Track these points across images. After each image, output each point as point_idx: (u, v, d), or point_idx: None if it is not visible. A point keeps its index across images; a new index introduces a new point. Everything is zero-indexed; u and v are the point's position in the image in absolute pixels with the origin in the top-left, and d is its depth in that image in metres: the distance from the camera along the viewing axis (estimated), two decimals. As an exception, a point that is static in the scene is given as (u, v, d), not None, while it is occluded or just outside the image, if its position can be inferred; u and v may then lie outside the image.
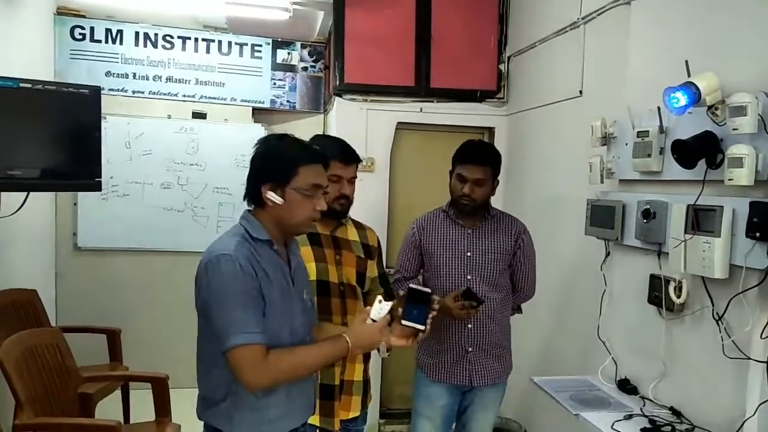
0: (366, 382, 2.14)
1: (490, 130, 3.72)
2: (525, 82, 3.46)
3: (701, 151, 1.78)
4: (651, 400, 2.11)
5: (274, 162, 1.57)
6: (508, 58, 3.60)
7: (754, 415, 1.70)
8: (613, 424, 1.91)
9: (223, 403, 1.55)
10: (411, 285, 1.73)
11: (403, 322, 1.66)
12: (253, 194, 1.60)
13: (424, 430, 2.41)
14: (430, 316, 1.68)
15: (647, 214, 2.08)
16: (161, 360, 3.32)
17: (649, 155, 2.07)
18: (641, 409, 2.05)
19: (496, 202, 3.53)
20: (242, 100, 4.18)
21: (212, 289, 1.47)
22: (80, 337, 3.34)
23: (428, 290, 1.73)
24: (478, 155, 2.35)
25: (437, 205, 2.50)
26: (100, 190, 2.72)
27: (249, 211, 1.63)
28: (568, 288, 2.79)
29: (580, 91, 2.74)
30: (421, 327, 1.66)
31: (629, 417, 1.98)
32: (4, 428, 2.57)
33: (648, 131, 2.08)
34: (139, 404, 3.08)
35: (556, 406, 2.22)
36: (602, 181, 2.37)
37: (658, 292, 2.07)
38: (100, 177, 2.63)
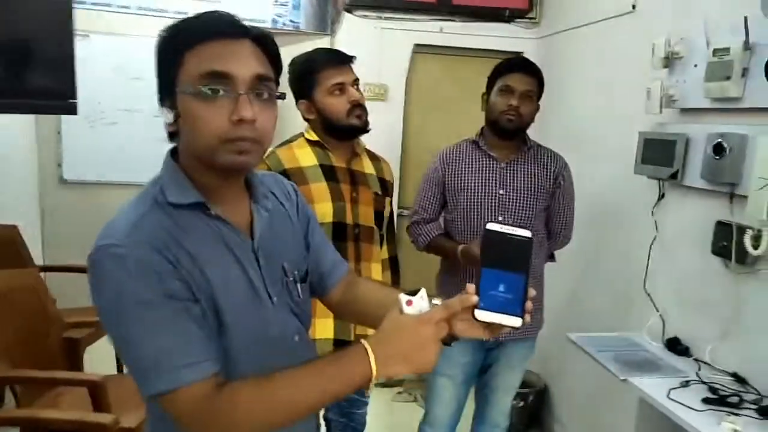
0: None
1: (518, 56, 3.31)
2: (561, -1, 3.03)
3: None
4: (708, 364, 1.84)
5: (157, 60, 0.93)
6: (542, -29, 3.15)
7: None
8: (669, 393, 1.65)
9: None
10: (490, 225, 0.89)
11: (479, 314, 0.86)
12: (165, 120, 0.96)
13: (444, 390, 2.17)
14: (529, 294, 0.88)
15: (719, 150, 1.74)
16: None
17: (728, 78, 1.71)
18: (697, 374, 1.79)
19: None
20: (242, 19, 3.74)
21: (103, 309, 0.85)
22: (68, 278, 3.07)
23: (525, 234, 0.88)
24: (528, 64, 2.00)
25: (458, 139, 2.15)
26: (75, 113, 2.37)
27: (174, 151, 0.97)
28: (609, 234, 2.47)
29: (633, 6, 2.33)
30: (516, 322, 0.86)
31: (686, 384, 1.72)
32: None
33: (728, 48, 1.71)
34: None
35: (583, 361, 1.96)
36: (661, 111, 2.02)
37: (726, 241, 1.76)
38: (75, 98, 2.28)
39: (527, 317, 0.87)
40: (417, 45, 3.21)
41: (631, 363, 1.87)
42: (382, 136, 3.16)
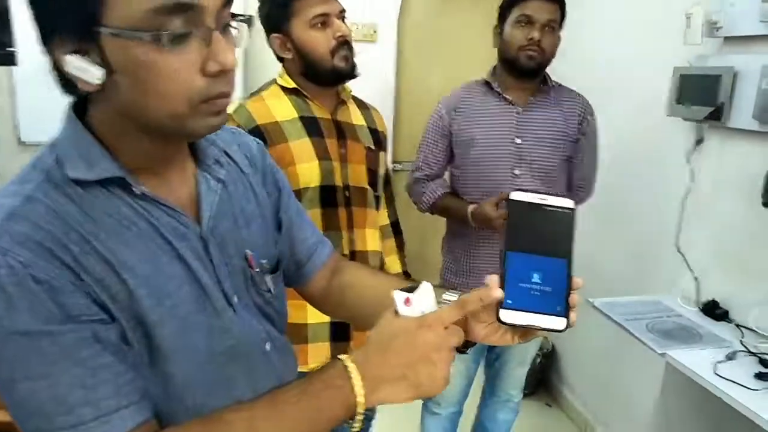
0: None
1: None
2: None
3: None
4: (753, 331, 1.63)
5: None
6: None
7: None
8: (716, 368, 1.43)
9: None
10: (515, 194, 0.68)
11: (504, 315, 0.64)
12: (56, 76, 0.63)
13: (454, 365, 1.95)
14: (575, 287, 0.66)
15: (779, 83, 1.47)
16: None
17: (795, -5, 1.42)
18: (742, 342, 1.57)
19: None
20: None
21: None
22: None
23: (569, 204, 0.68)
24: None
25: (460, 84, 1.84)
26: (15, 63, 2.02)
27: (75, 106, 0.67)
28: (635, 185, 2.17)
29: None
30: (559, 324, 0.64)
31: (732, 356, 1.50)
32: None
33: (796, -43, 1.41)
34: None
35: (594, 321, 1.73)
36: (702, 41, 1.73)
37: (782, 191, 1.51)
38: (13, 46, 1.93)
39: (573, 316, 0.64)
40: (409, -23, 2.85)
41: (667, 332, 1.64)
42: (373, 82, 2.82)
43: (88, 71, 0.58)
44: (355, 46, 1.46)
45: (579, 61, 2.35)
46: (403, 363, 0.61)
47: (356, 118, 1.54)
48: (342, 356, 0.62)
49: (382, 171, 1.57)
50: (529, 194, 0.67)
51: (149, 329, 0.63)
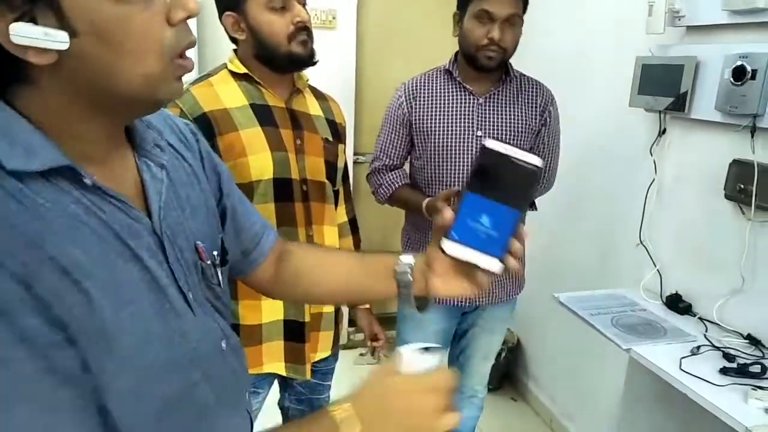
0: (337, 312, 1.54)
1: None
2: None
3: None
4: (716, 324, 1.62)
5: None
6: None
7: None
8: (680, 364, 1.41)
9: None
10: (487, 143, 0.68)
11: (445, 243, 0.70)
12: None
13: None
14: (519, 232, 0.71)
15: (741, 74, 1.45)
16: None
17: (757, -17, 1.39)
18: (705, 336, 1.56)
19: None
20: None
21: None
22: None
23: (534, 162, 0.67)
24: None
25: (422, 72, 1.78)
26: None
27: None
28: (598, 177, 2.16)
29: None
30: (491, 263, 0.69)
31: (697, 350, 1.48)
32: None
33: (759, -56, 1.39)
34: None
35: (559, 314, 1.71)
36: (664, 30, 1.69)
37: (744, 183, 1.50)
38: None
39: (512, 262, 0.69)
40: (369, -37, 2.77)
41: (631, 327, 1.62)
42: (332, 71, 2.75)
43: (49, 36, 0.49)
44: (314, 32, 1.38)
45: (541, 53, 2.31)
46: (405, 425, 0.58)
47: (313, 108, 1.45)
48: (330, 410, 0.58)
49: (341, 164, 1.49)
50: (503, 145, 0.67)
51: (108, 342, 0.53)
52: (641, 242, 1.85)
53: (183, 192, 0.70)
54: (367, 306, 1.67)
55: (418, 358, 0.61)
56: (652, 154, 1.80)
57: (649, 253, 1.84)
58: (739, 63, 1.45)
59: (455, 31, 1.67)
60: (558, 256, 2.40)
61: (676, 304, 1.74)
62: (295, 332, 1.42)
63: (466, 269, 0.74)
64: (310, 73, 1.43)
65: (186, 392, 0.62)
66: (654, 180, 1.80)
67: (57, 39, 0.50)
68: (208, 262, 0.71)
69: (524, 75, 1.74)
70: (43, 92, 0.54)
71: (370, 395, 0.59)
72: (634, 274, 1.89)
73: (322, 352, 1.53)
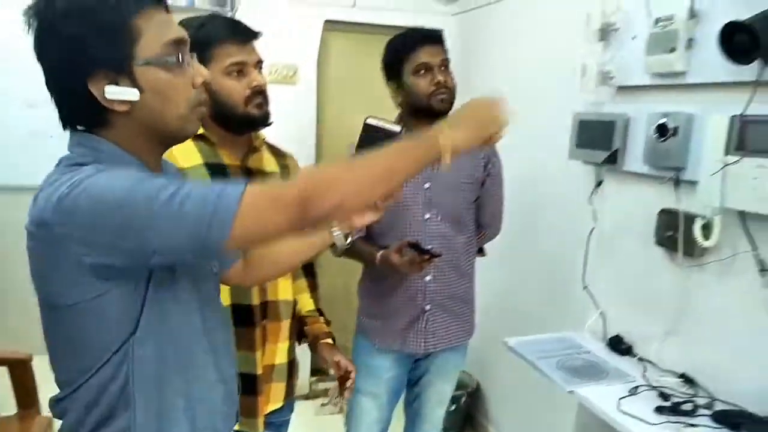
0: (291, 363, 1.57)
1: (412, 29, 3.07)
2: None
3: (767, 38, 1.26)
4: (654, 365, 1.70)
5: (97, 27, 0.81)
6: (460, -60, 2.92)
7: (805, 390, 1.30)
8: (619, 404, 1.48)
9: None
10: (369, 120, 1.08)
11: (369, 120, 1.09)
12: (76, 107, 0.86)
13: (367, 414, 1.91)
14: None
15: (663, 131, 1.58)
16: (21, 333, 2.09)
17: (672, 50, 1.54)
18: (645, 377, 1.64)
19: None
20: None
21: (108, 196, 0.78)
22: None
23: (395, 128, 1.06)
24: (429, 32, 1.80)
25: (379, 123, 1.88)
26: None
27: (84, 132, 0.89)
28: (543, 226, 2.28)
29: (562, -26, 2.14)
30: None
31: (635, 390, 1.56)
32: None
33: (672, 16, 1.54)
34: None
35: (517, 359, 1.77)
36: (596, 89, 1.83)
37: (672, 231, 1.61)
38: None
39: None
40: (328, 21, 2.90)
41: (575, 369, 1.69)
42: (294, 123, 2.85)
43: (127, 94, 0.84)
44: (277, 88, 1.45)
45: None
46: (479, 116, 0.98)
47: (269, 164, 1.51)
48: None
49: None
50: (377, 120, 1.07)
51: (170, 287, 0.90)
52: (585, 287, 1.94)
53: None
54: (329, 340, 1.65)
55: None
56: (591, 204, 1.91)
57: (592, 297, 1.93)
58: (661, 121, 1.58)
59: (396, 97, 1.79)
60: (511, 301, 2.49)
61: (618, 345, 1.82)
62: (247, 386, 1.43)
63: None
64: (273, 125, 1.50)
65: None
66: (594, 228, 1.91)
67: (132, 95, 0.84)
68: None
69: None
70: (118, 131, 0.87)
71: (456, 111, 0.99)
72: (580, 317, 1.97)
73: (274, 404, 1.54)
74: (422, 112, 1.74)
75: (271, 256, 1.20)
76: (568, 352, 1.81)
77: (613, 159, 1.79)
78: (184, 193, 0.76)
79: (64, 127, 0.90)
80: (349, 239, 1.26)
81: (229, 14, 3.04)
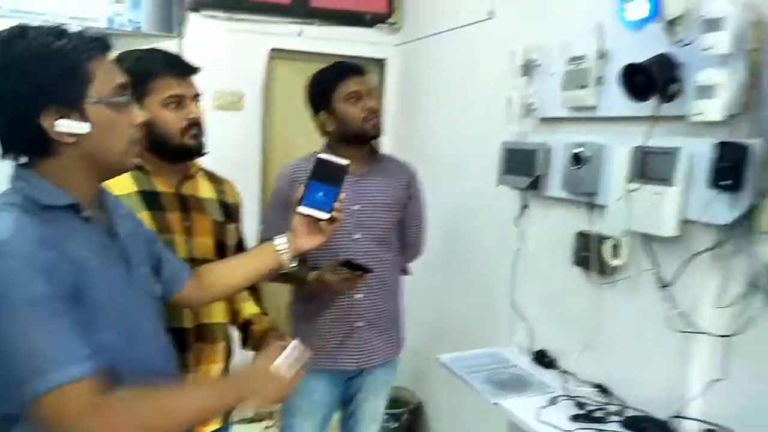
0: None
1: (380, 63, 3.22)
2: (422, 3, 2.97)
3: (660, 78, 1.42)
4: (573, 376, 1.82)
5: (56, 68, 0.93)
6: (401, -25, 3.08)
7: (701, 395, 1.44)
8: (538, 414, 1.58)
9: None
10: (321, 155, 1.26)
11: (301, 208, 1.25)
12: (23, 138, 0.96)
13: (302, 431, 1.97)
14: (339, 199, 1.26)
15: (578, 159, 1.72)
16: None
17: (584, 86, 1.70)
18: (565, 388, 1.75)
19: (387, 147, 3.09)
20: (70, 18, 3.27)
21: None
22: None
23: (344, 162, 1.25)
24: (352, 65, 1.96)
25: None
26: None
27: (22, 166, 1.00)
28: (475, 247, 2.42)
29: (491, 12, 2.30)
30: (324, 215, 1.25)
31: (554, 401, 1.67)
32: None
33: (584, 56, 1.70)
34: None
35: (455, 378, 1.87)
36: (521, 120, 1.98)
37: (586, 252, 1.74)
38: None
39: (337, 215, 1.26)
40: (274, 49, 2.99)
41: (502, 382, 1.79)
42: (240, 149, 2.91)
43: (78, 127, 0.95)
44: (223, 114, 1.52)
45: (420, 137, 2.60)
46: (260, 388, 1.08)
47: (204, 191, 1.57)
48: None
49: (232, 242, 1.60)
50: (327, 155, 1.26)
51: (91, 307, 0.95)
52: (513, 304, 2.06)
53: (134, 233, 1.16)
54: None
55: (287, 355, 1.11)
56: (517, 226, 2.05)
57: (520, 314, 2.05)
58: (576, 150, 1.73)
59: (324, 127, 1.91)
60: (448, 319, 2.60)
61: (543, 359, 1.93)
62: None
63: (315, 228, 1.28)
64: (221, 151, 1.57)
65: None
66: (520, 249, 2.04)
67: (81, 129, 0.95)
68: (151, 276, 1.17)
69: (390, 156, 2.02)
70: (61, 161, 0.97)
71: (251, 369, 1.14)
72: (508, 334, 2.09)
73: (212, 425, 1.57)
74: (354, 137, 1.86)
75: (221, 278, 1.33)
76: (496, 366, 1.91)
77: (535, 185, 1.92)
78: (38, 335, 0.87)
79: (5, 155, 0.98)
80: (296, 262, 1.34)
81: (175, 41, 3.09)
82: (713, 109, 1.30)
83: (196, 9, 2.83)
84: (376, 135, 1.88)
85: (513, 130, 2.03)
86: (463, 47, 2.55)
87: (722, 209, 1.35)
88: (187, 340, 1.47)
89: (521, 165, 1.97)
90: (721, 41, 1.27)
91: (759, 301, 1.30)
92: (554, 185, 1.86)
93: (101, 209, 1.08)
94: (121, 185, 1.40)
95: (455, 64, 2.62)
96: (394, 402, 2.99)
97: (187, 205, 1.48)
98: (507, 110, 1.99)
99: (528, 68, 1.94)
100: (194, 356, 1.48)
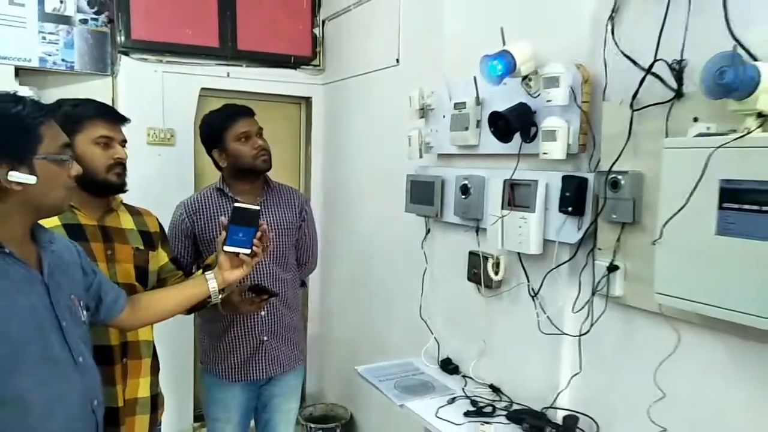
0: (155, 397, 1.78)
1: (307, 101, 3.46)
2: (341, 48, 3.25)
3: (517, 123, 1.71)
4: (472, 379, 2.07)
5: (13, 130, 1.15)
6: (323, 21, 3.35)
7: (566, 387, 1.72)
8: (437, 411, 1.82)
9: None
10: (236, 204, 1.52)
11: (225, 248, 1.51)
12: None
13: None
14: (257, 237, 1.53)
15: (465, 190, 2.00)
16: None
17: (466, 128, 1.98)
18: (463, 389, 2.00)
19: (315, 178, 3.33)
20: (2, 57, 3.36)
21: None
22: None
23: (256, 208, 1.51)
24: (242, 107, 2.21)
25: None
26: None
27: None
28: (392, 268, 2.69)
29: (398, 60, 2.59)
30: (246, 250, 1.52)
31: (452, 400, 1.91)
32: None
33: (465, 103, 1.98)
34: None
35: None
36: (421, 156, 2.26)
37: (477, 269, 2.01)
38: None
39: (257, 250, 1.54)
40: (204, 89, 3.18)
41: (409, 388, 2.02)
42: (174, 181, 3.07)
43: (26, 179, 1.14)
44: (156, 149, 1.71)
45: (346, 168, 2.85)
46: None
47: (126, 222, 1.75)
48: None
49: (153, 268, 1.78)
50: (242, 204, 1.52)
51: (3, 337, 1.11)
52: (422, 317, 2.31)
53: (65, 265, 1.31)
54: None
55: None
56: (423, 248, 2.31)
57: (428, 326, 2.30)
58: (463, 182, 2.00)
59: (222, 163, 2.15)
60: (368, 334, 2.84)
61: (448, 366, 2.18)
62: (110, 418, 1.62)
63: (237, 262, 1.54)
64: (154, 184, 1.76)
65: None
66: (426, 268, 2.30)
67: (29, 180, 1.14)
68: (78, 304, 1.30)
69: (282, 184, 2.30)
70: (4, 204, 1.14)
71: None
72: (420, 344, 2.33)
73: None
74: (246, 172, 2.13)
75: (154, 305, 1.56)
76: (406, 374, 2.15)
77: (436, 212, 2.19)
78: None
79: None
80: (224, 293, 1.61)
81: (108, 80, 3.24)
82: (556, 149, 1.60)
83: (126, 53, 2.99)
84: (266, 169, 2.15)
85: (416, 164, 2.30)
86: (373, 90, 2.84)
87: (571, 230, 1.64)
88: (114, 356, 1.64)
89: (423, 195, 2.24)
90: (559, 95, 1.58)
91: (599, 304, 1.59)
92: (450, 212, 2.13)
93: (33, 241, 1.25)
94: (47, 220, 1.57)
95: (369, 105, 2.90)
96: (328, 418, 3.20)
97: (109, 235, 1.67)
98: (408, 148, 2.26)
99: (424, 111, 2.21)
100: (121, 371, 1.66)
